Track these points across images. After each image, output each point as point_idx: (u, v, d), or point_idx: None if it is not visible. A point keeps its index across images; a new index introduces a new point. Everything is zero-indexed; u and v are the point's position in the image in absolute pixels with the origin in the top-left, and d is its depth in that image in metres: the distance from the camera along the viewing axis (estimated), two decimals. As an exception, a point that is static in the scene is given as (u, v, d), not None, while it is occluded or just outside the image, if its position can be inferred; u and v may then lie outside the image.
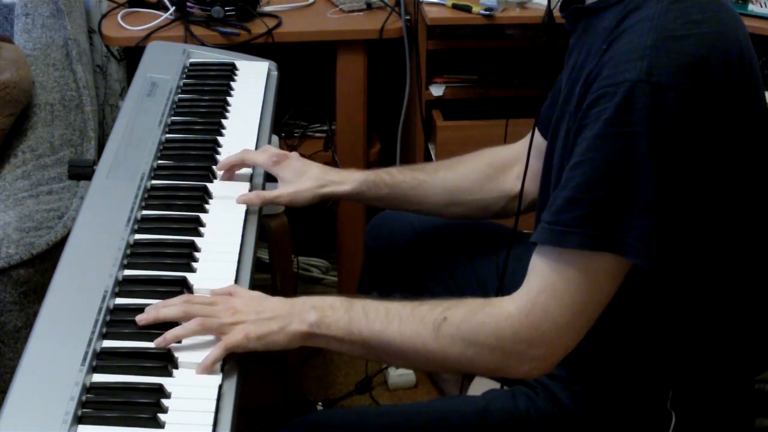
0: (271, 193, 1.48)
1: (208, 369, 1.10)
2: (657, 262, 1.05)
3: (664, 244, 1.05)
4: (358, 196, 1.52)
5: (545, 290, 1.09)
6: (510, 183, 1.52)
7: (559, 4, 1.26)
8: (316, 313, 1.17)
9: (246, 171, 1.51)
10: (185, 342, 1.14)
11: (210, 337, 1.15)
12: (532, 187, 1.40)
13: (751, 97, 1.12)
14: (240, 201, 1.43)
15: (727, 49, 1.08)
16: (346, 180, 1.50)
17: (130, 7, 2.32)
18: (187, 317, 1.14)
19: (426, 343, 1.14)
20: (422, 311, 1.15)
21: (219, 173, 1.49)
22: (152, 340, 1.13)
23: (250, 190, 1.47)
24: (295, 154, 1.53)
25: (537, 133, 1.40)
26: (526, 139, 1.44)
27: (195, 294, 1.22)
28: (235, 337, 1.13)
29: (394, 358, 1.19)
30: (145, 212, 1.35)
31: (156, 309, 1.15)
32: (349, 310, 1.17)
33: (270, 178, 1.52)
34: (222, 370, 1.11)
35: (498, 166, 1.53)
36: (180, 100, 1.65)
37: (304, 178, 1.49)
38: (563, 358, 1.12)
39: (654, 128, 1.03)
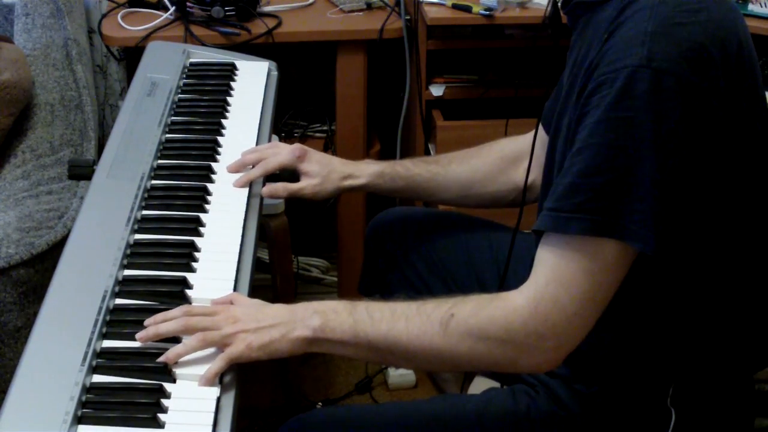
0: (295, 185, 1.52)
1: (210, 381, 1.09)
2: (659, 248, 1.05)
3: (666, 229, 1.06)
4: (374, 187, 1.56)
5: (553, 281, 1.09)
6: (522, 175, 1.52)
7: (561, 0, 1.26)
8: (319, 318, 1.16)
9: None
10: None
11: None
12: (540, 179, 1.40)
13: (750, 86, 1.13)
14: (266, 193, 1.47)
15: (725, 38, 1.09)
16: (363, 173, 1.55)
17: (130, 7, 2.33)
18: (188, 331, 1.13)
19: (434, 342, 1.13)
20: (428, 309, 1.15)
21: (221, 169, 1.49)
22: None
23: (253, 188, 1.48)
24: (309, 147, 1.56)
25: (543, 126, 1.41)
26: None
27: (194, 304, 1.20)
28: (237, 348, 1.12)
29: (401, 360, 1.19)
30: (145, 212, 1.35)
31: (156, 326, 1.13)
32: (352, 312, 1.16)
33: (268, 178, 1.53)
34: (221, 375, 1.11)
35: (510, 159, 1.55)
36: (180, 100, 1.65)
37: (328, 171, 1.53)
38: (573, 349, 1.12)
39: (654, 113, 1.04)
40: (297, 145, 1.54)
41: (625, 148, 1.05)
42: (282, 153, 1.52)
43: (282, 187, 1.50)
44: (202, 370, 1.10)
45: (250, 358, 1.13)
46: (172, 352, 1.10)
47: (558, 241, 1.09)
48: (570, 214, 1.07)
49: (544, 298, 1.10)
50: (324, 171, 1.53)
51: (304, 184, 1.52)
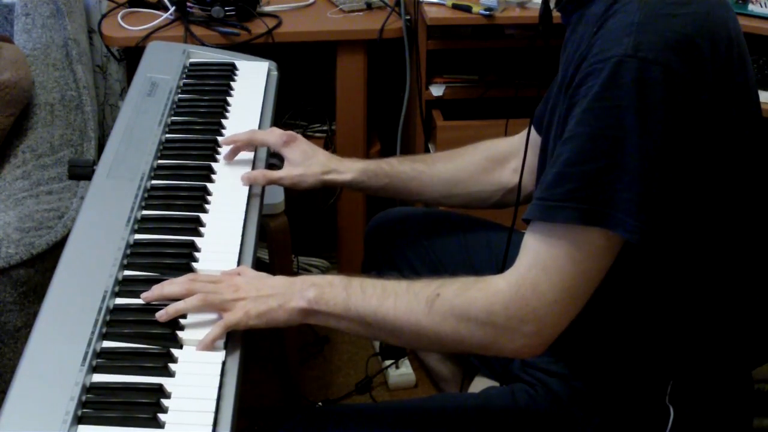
0: (275, 173, 1.51)
1: (208, 346, 1.13)
2: (645, 237, 1.06)
3: (653, 218, 1.06)
4: (358, 185, 1.56)
5: (535, 266, 1.10)
6: (507, 176, 1.54)
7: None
8: (315, 290, 1.19)
9: (249, 157, 1.53)
10: (189, 323, 1.16)
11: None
12: (529, 179, 1.41)
13: (741, 83, 1.13)
14: (244, 179, 1.46)
15: (714, 30, 1.09)
16: (347, 169, 1.54)
17: (130, 7, 2.33)
18: (191, 294, 1.17)
19: (419, 320, 1.15)
20: (417, 288, 1.17)
21: (223, 150, 1.52)
22: (153, 340, 1.13)
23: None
24: (300, 136, 1.56)
25: (533, 128, 1.41)
26: (524, 133, 1.45)
27: (200, 272, 1.25)
28: (235, 315, 1.16)
29: (389, 336, 1.20)
30: (145, 212, 1.36)
31: (161, 287, 1.18)
32: (347, 287, 1.19)
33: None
34: (222, 368, 1.11)
35: (495, 159, 1.56)
36: (180, 100, 1.65)
37: (310, 162, 1.53)
38: (555, 336, 1.13)
39: (640, 102, 1.04)
40: (289, 132, 1.55)
41: (611, 137, 1.05)
42: (272, 134, 1.54)
43: (261, 175, 1.48)
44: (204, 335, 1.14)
45: (247, 326, 1.17)
46: (172, 307, 1.15)
47: (543, 227, 1.10)
48: (557, 203, 1.08)
49: (525, 282, 1.10)
50: (306, 161, 1.52)
51: (284, 174, 1.52)
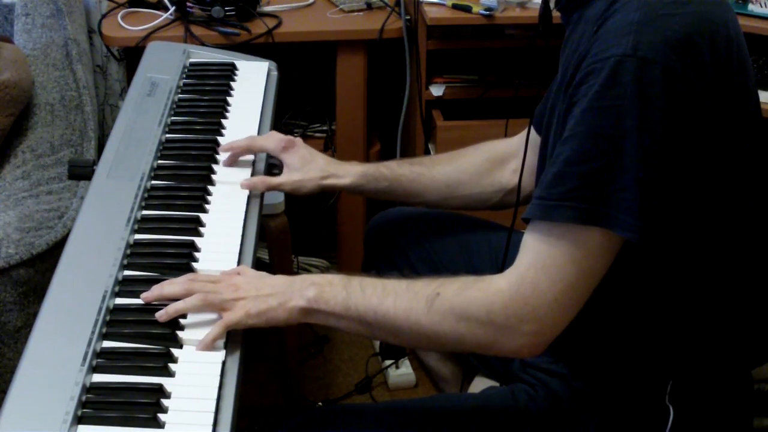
0: (275, 179, 1.51)
1: (208, 346, 1.13)
2: (645, 236, 1.06)
3: (653, 218, 1.06)
4: (358, 188, 1.55)
5: (535, 265, 1.10)
6: (507, 177, 1.54)
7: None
8: (315, 289, 1.19)
9: (249, 158, 1.53)
10: (189, 323, 1.16)
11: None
12: (529, 179, 1.41)
13: (740, 79, 1.13)
14: (244, 185, 1.45)
15: (714, 29, 1.10)
16: (347, 173, 1.54)
17: (130, 7, 2.33)
18: (190, 294, 1.17)
19: (419, 318, 1.15)
20: (417, 287, 1.17)
21: (221, 156, 1.51)
22: (153, 340, 1.13)
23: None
24: (300, 141, 1.56)
25: (533, 128, 1.41)
26: (524, 133, 1.46)
27: (200, 272, 1.25)
28: (235, 315, 1.16)
29: (389, 335, 1.20)
30: (145, 212, 1.36)
31: (160, 287, 1.18)
32: (347, 286, 1.19)
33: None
34: (222, 368, 1.11)
35: (495, 161, 1.56)
36: (180, 100, 1.65)
37: (309, 167, 1.52)
38: (555, 336, 1.13)
39: (640, 102, 1.04)
40: (288, 137, 1.55)
41: (610, 136, 1.05)
42: (271, 139, 1.54)
43: (260, 181, 1.48)
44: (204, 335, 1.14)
45: (247, 325, 1.17)
46: (171, 307, 1.15)
47: (543, 227, 1.11)
48: (557, 202, 1.08)
49: (525, 282, 1.11)
50: (305, 167, 1.52)
51: (284, 179, 1.52)
